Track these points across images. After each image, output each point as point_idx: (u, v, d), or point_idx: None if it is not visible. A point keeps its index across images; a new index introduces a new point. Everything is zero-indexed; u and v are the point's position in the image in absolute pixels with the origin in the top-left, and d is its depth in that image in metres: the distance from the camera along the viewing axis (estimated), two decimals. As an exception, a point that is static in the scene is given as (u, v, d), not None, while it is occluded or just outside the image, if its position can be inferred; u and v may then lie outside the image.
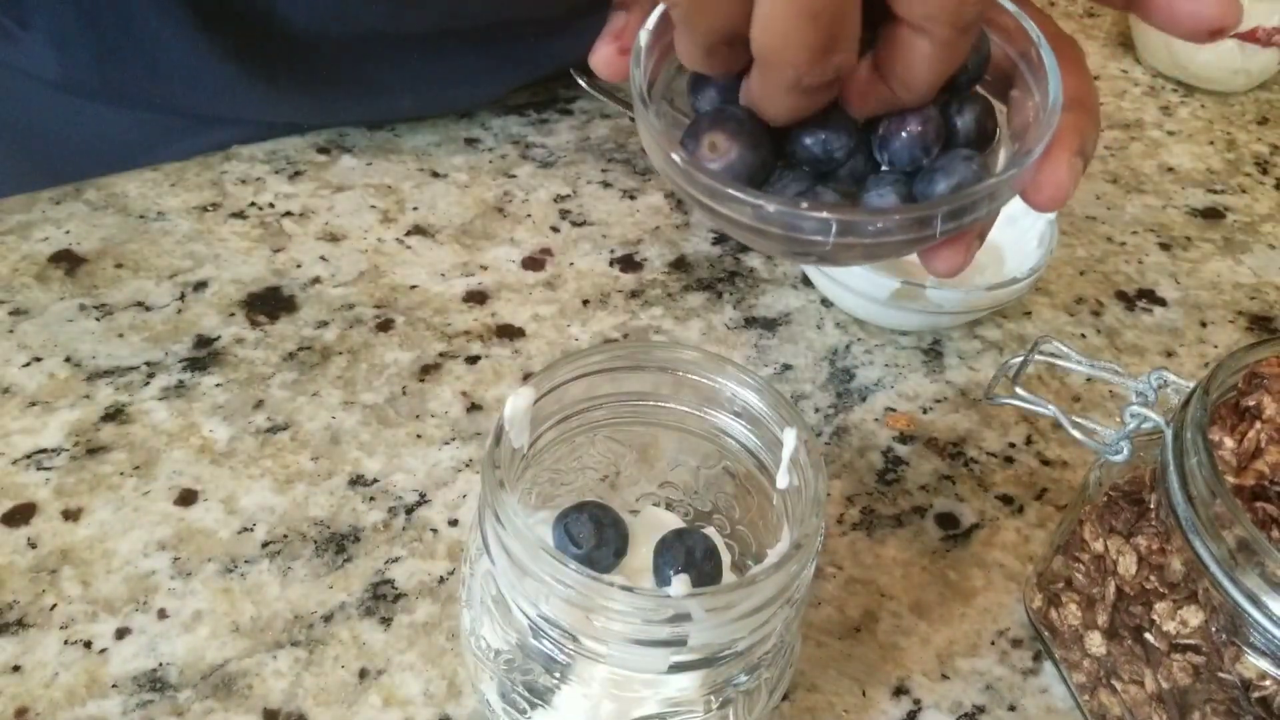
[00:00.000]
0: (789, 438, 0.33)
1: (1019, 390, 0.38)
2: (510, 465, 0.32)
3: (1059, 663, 0.40)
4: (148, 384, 0.46)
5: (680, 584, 0.28)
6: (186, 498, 0.42)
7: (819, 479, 0.31)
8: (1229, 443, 0.35)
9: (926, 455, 0.48)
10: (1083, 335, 0.54)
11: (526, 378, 0.48)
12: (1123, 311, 0.56)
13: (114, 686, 0.37)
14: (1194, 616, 0.34)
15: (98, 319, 0.49)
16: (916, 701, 0.39)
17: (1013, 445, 0.48)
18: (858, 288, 0.50)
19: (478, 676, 0.34)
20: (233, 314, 0.50)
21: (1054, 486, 0.47)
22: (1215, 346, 0.55)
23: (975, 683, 0.40)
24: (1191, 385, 0.36)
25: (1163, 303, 0.57)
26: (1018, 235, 0.54)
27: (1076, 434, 0.37)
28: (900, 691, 0.40)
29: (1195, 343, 0.55)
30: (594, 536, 0.35)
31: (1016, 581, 0.43)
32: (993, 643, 0.41)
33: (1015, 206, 0.56)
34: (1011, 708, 0.40)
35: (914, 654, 0.41)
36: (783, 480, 0.33)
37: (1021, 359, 0.40)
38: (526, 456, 0.34)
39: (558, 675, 0.31)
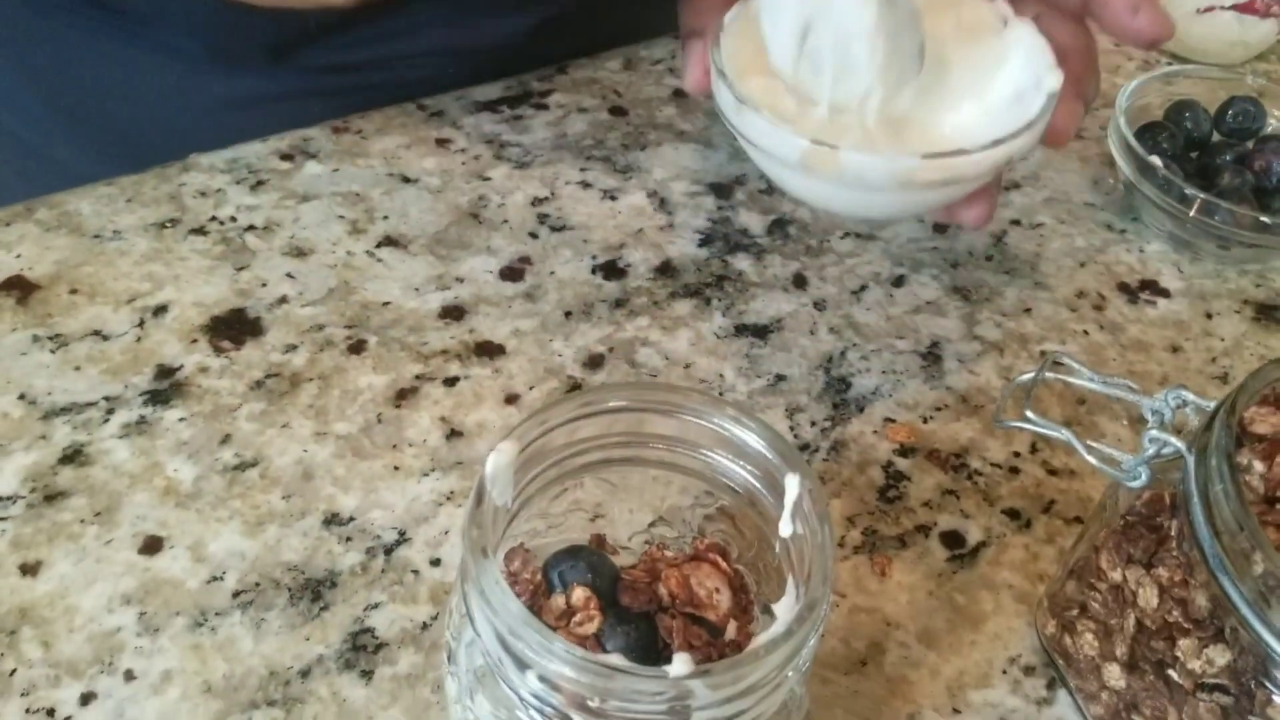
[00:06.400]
0: (791, 485, 0.30)
1: (1029, 415, 0.36)
2: (494, 525, 0.30)
3: (1074, 692, 0.39)
4: (107, 421, 0.44)
5: (681, 663, 0.26)
6: (151, 545, 0.40)
7: (825, 529, 0.29)
8: (1259, 467, 0.33)
9: (928, 469, 0.46)
10: (1085, 332, 0.52)
11: (508, 400, 0.46)
12: (1125, 305, 0.54)
13: (79, 759, 0.35)
14: (1221, 656, 0.32)
15: (52, 351, 0.46)
16: (927, 739, 0.38)
17: (1017, 455, 0.46)
18: (767, 146, 0.42)
19: (466, 744, 0.32)
20: (195, 340, 0.47)
21: (1061, 498, 0.45)
22: (1222, 339, 0.53)
23: (988, 716, 0.38)
24: (1211, 405, 0.34)
25: (1166, 294, 0.55)
26: (995, 100, 0.44)
27: (1092, 460, 0.35)
28: (910, 728, 0.38)
29: (1201, 335, 0.53)
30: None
31: (1027, 603, 0.42)
32: (1004, 671, 0.40)
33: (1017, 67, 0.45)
34: (1026, 742, 0.38)
35: (923, 687, 0.39)
36: (785, 529, 0.31)
37: (1031, 378, 0.38)
38: (510, 510, 0.32)
39: (551, 751, 0.29)
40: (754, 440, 0.32)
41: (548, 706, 0.28)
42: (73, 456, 0.42)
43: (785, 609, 0.30)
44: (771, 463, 0.31)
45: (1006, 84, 0.44)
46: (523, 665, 0.27)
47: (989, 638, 0.40)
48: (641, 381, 0.47)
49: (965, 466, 0.46)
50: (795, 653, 0.27)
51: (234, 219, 0.52)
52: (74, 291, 0.48)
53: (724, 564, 0.34)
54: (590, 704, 0.27)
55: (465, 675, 0.30)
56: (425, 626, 0.39)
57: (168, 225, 0.52)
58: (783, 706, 0.30)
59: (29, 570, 0.39)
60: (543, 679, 0.27)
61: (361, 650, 0.38)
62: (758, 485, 0.32)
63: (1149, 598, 0.34)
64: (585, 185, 0.57)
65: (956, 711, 0.38)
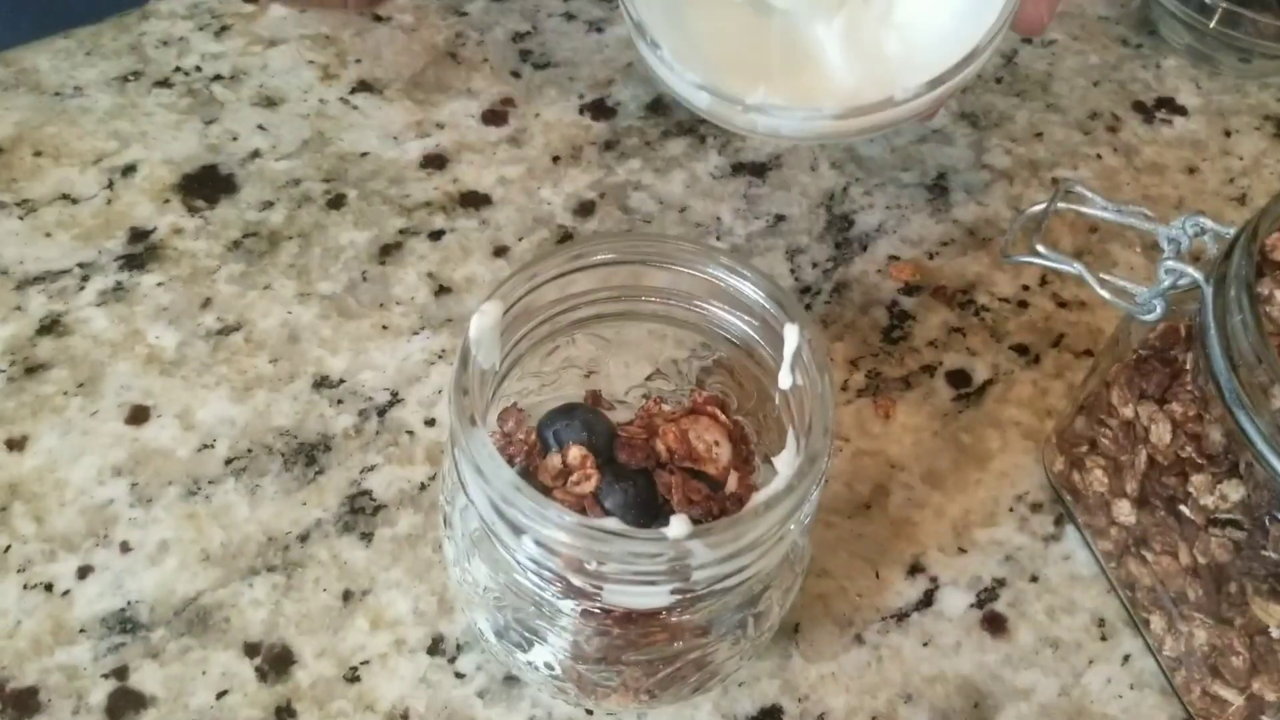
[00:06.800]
0: (790, 335, 0.29)
1: (1039, 248, 0.35)
2: (481, 390, 0.28)
3: (1083, 528, 0.38)
4: (83, 288, 0.42)
5: (679, 523, 0.25)
6: (138, 415, 0.39)
7: (825, 380, 0.28)
8: (1280, 296, 0.32)
9: (934, 306, 0.44)
10: (1098, 156, 0.50)
11: (497, 253, 0.44)
12: (1140, 125, 0.51)
13: (81, 631, 0.35)
14: (1235, 491, 0.31)
15: (20, 217, 0.44)
16: (933, 579, 0.37)
17: (1026, 288, 0.45)
18: (677, 89, 0.38)
19: (468, 606, 0.32)
20: (167, 200, 0.45)
21: (1072, 331, 0.44)
22: (1241, 159, 0.50)
23: (994, 554, 0.38)
24: (1231, 232, 0.32)
25: (1183, 111, 0.52)
26: (930, 25, 0.39)
27: (1104, 293, 0.34)
28: (916, 570, 0.38)
29: (1219, 155, 0.50)
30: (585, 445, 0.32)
31: (1035, 440, 0.41)
32: (1011, 509, 0.39)
33: None
34: (1033, 578, 0.38)
35: (928, 528, 0.38)
36: (785, 380, 0.30)
37: (1041, 209, 0.36)
38: (499, 371, 0.30)
39: (549, 612, 0.29)
40: (750, 290, 0.30)
41: (545, 569, 0.27)
42: (50, 327, 0.41)
43: (785, 463, 0.29)
44: (769, 312, 0.30)
45: None
46: (518, 531, 0.26)
47: (995, 476, 0.40)
48: (633, 232, 0.45)
49: (972, 303, 0.44)
50: (796, 507, 0.26)
51: (199, 69, 0.50)
52: (38, 154, 0.46)
53: (723, 416, 0.33)
54: (588, 566, 0.26)
55: (461, 539, 0.30)
56: (423, 486, 0.38)
57: (130, 78, 0.49)
58: (785, 558, 0.30)
59: (15, 445, 0.38)
60: (539, 543, 0.26)
61: (360, 512, 0.37)
62: (755, 336, 0.31)
63: (1161, 433, 0.33)
64: (569, 17, 0.53)
65: (962, 550, 0.38)
